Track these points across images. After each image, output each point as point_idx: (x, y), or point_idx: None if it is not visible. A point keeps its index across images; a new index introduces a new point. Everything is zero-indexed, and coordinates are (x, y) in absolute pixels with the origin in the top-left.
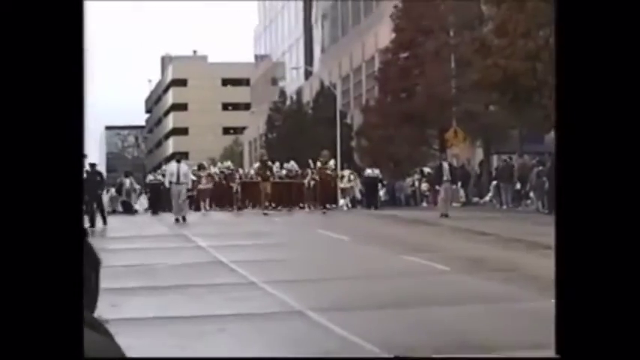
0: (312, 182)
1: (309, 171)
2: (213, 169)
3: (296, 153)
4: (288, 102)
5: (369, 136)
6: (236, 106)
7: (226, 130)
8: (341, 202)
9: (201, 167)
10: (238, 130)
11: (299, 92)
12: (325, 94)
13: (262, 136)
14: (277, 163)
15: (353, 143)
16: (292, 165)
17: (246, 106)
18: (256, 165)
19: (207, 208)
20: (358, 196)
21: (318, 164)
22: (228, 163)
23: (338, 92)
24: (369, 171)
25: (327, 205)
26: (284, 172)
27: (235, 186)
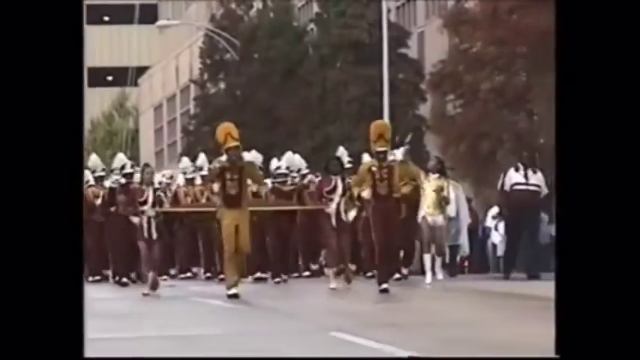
0: (350, 208)
1: (335, 181)
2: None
3: (282, 135)
4: (255, 3)
5: (470, 86)
6: (122, 16)
7: (97, 76)
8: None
9: None
10: (126, 77)
11: None
12: None
13: (192, 89)
14: (251, 153)
15: (423, 108)
16: (292, 161)
17: (147, 14)
18: (196, 163)
19: None
20: (465, 247)
21: (366, 158)
22: (121, 159)
23: None
24: (515, 174)
25: (397, 271)
26: (268, 182)
27: (139, 220)
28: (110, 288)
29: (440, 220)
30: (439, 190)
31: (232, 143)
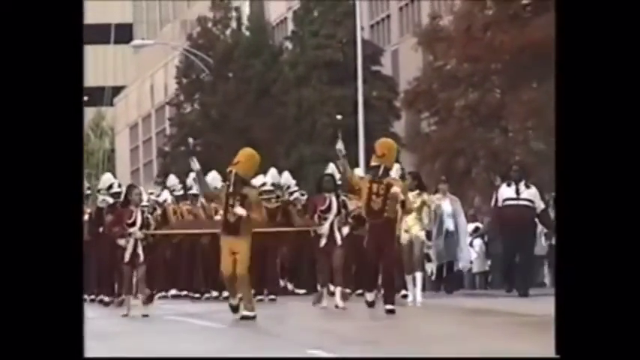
0: (343, 225)
1: (329, 199)
2: None
3: (261, 152)
4: (232, 22)
5: (444, 104)
6: (98, 35)
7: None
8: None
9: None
10: (102, 96)
11: None
12: (328, 5)
13: (167, 109)
14: (211, 174)
15: (397, 125)
16: (278, 177)
17: (123, 34)
18: (186, 182)
19: None
20: (467, 262)
21: (355, 174)
22: (109, 178)
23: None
24: (506, 190)
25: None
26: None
27: (125, 242)
28: (91, 307)
29: (420, 235)
30: (420, 207)
31: (230, 168)
